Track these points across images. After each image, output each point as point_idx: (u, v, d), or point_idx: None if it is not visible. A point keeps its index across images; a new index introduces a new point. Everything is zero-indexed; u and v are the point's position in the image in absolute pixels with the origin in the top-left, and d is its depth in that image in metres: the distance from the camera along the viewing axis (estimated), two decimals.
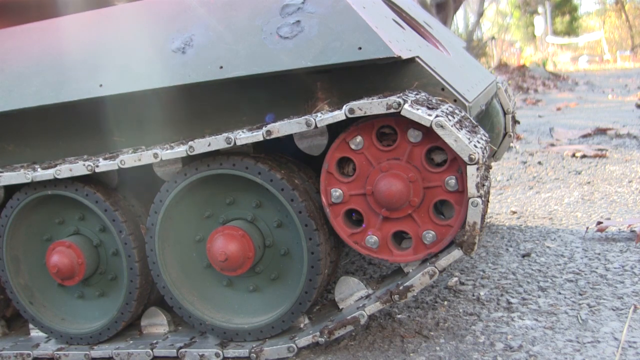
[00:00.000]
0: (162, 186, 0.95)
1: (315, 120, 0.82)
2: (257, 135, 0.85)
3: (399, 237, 0.89)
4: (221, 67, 0.89)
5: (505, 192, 2.02)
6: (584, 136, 3.03)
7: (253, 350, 0.93)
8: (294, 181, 0.89)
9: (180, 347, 0.97)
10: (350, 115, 0.81)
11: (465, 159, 0.77)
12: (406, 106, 0.77)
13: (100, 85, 0.95)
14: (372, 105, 0.80)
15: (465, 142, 0.76)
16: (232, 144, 0.86)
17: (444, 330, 0.99)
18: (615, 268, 1.21)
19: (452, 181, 0.81)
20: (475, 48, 7.79)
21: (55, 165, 0.97)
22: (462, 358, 0.89)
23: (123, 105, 1.02)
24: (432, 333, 0.98)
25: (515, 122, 1.57)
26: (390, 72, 0.90)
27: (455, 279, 1.21)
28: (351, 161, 0.87)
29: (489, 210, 1.76)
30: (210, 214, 0.97)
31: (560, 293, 1.10)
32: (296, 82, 0.93)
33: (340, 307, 0.95)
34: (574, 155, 2.54)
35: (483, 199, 0.80)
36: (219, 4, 0.96)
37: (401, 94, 0.83)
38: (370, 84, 0.91)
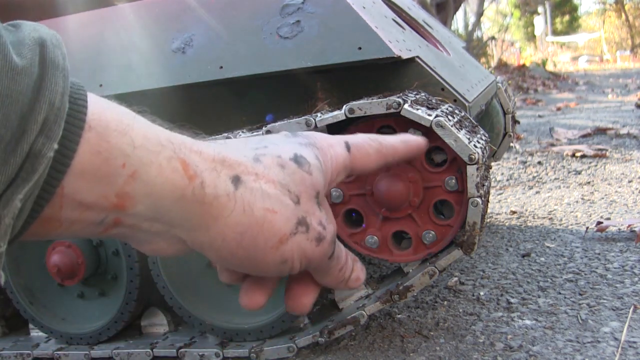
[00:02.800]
0: None
1: (315, 120, 0.82)
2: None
3: (399, 237, 0.89)
4: (221, 67, 0.89)
5: (505, 192, 2.02)
6: (584, 136, 3.02)
7: (253, 350, 0.93)
8: None
9: (180, 347, 0.97)
10: (350, 115, 0.81)
11: (465, 159, 0.77)
12: (406, 106, 0.77)
13: (100, 85, 0.95)
14: (372, 105, 0.80)
15: (465, 142, 0.76)
16: None
17: (443, 330, 0.99)
18: (615, 268, 1.21)
19: (452, 181, 0.81)
20: (475, 48, 7.79)
21: None
22: (462, 358, 0.89)
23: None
24: (432, 333, 0.98)
25: (515, 122, 1.57)
26: (390, 72, 0.90)
27: (455, 279, 1.21)
28: None
29: (489, 210, 1.76)
30: None
31: (560, 293, 1.10)
32: (296, 82, 0.93)
33: (340, 307, 0.95)
34: (573, 155, 2.54)
35: (483, 199, 0.80)
36: (219, 4, 0.96)
37: (401, 94, 0.83)
38: (370, 84, 0.91)
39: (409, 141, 0.49)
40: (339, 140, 0.44)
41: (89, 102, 0.32)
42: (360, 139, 0.46)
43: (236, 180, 0.36)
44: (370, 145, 0.46)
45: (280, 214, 0.37)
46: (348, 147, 0.44)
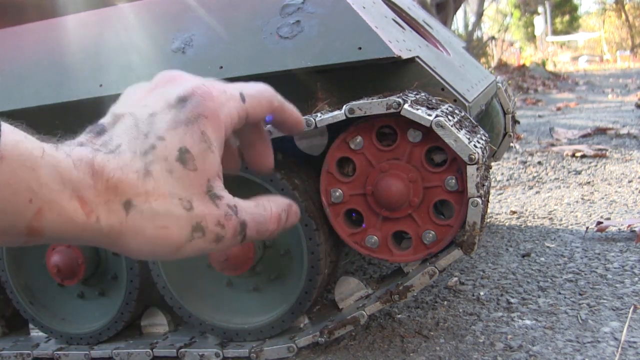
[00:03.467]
0: None
1: (315, 120, 0.82)
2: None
3: (399, 237, 0.89)
4: (221, 67, 0.89)
5: (505, 192, 2.02)
6: (584, 136, 3.02)
7: (253, 350, 0.93)
8: (294, 181, 0.89)
9: (180, 347, 0.97)
10: (350, 115, 0.81)
11: (465, 159, 0.77)
12: (406, 106, 0.77)
13: (100, 85, 0.95)
14: (372, 105, 0.80)
15: (465, 142, 0.76)
16: None
17: (443, 330, 0.99)
18: (615, 268, 1.21)
19: (452, 181, 0.81)
20: (475, 48, 7.79)
21: None
22: (462, 358, 0.89)
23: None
24: (432, 333, 0.98)
25: (515, 122, 1.57)
26: (390, 72, 0.90)
27: (455, 279, 1.21)
28: (351, 161, 0.87)
29: (489, 210, 1.76)
30: None
31: (560, 293, 1.10)
32: (296, 82, 0.93)
33: (340, 307, 0.95)
34: (573, 155, 2.54)
35: (483, 199, 0.80)
36: (219, 4, 0.96)
37: (401, 94, 0.83)
38: (370, 84, 0.91)
39: (299, 115, 0.58)
40: (233, 94, 0.49)
41: (3, 132, 0.34)
42: (255, 91, 0.52)
43: (127, 205, 0.40)
44: (265, 98, 0.52)
45: (171, 228, 0.41)
46: (243, 98, 0.50)
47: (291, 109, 0.56)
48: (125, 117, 0.45)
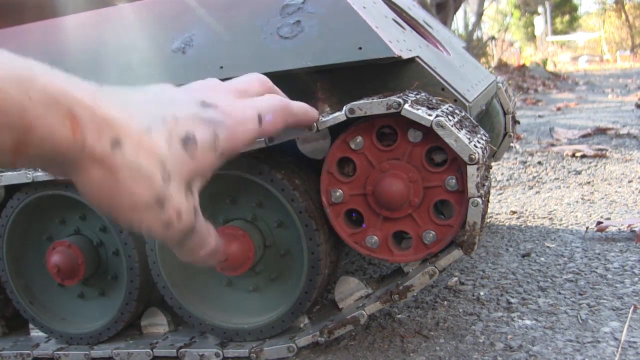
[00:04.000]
0: None
1: (316, 123, 0.82)
2: (260, 143, 0.84)
3: (399, 237, 0.89)
4: (221, 67, 0.89)
5: (505, 192, 2.02)
6: (584, 136, 3.03)
7: (253, 350, 0.93)
8: (294, 181, 0.89)
9: (180, 347, 0.98)
10: (350, 116, 0.81)
11: (466, 159, 0.77)
12: (406, 106, 0.77)
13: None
14: (372, 106, 0.80)
15: (465, 142, 0.76)
16: None
17: (443, 330, 0.99)
18: (615, 268, 1.21)
19: (452, 181, 0.81)
20: (475, 48, 7.79)
21: None
22: (462, 358, 0.89)
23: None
24: (432, 333, 0.98)
25: (516, 122, 1.57)
26: (390, 72, 0.90)
27: (455, 279, 1.21)
28: (351, 161, 0.87)
29: (489, 210, 1.76)
30: (210, 214, 0.97)
31: (560, 293, 1.10)
32: (296, 82, 0.93)
33: (340, 307, 0.95)
34: (573, 155, 2.54)
35: (483, 199, 0.80)
36: (219, 4, 0.96)
37: (401, 94, 0.83)
38: (370, 84, 0.91)
39: (309, 112, 0.58)
40: (252, 115, 0.48)
41: None
42: (272, 110, 0.51)
43: (115, 142, 0.39)
44: (280, 116, 0.52)
45: (141, 186, 0.40)
46: (261, 121, 0.49)
47: (302, 113, 0.56)
48: (149, 91, 0.45)
